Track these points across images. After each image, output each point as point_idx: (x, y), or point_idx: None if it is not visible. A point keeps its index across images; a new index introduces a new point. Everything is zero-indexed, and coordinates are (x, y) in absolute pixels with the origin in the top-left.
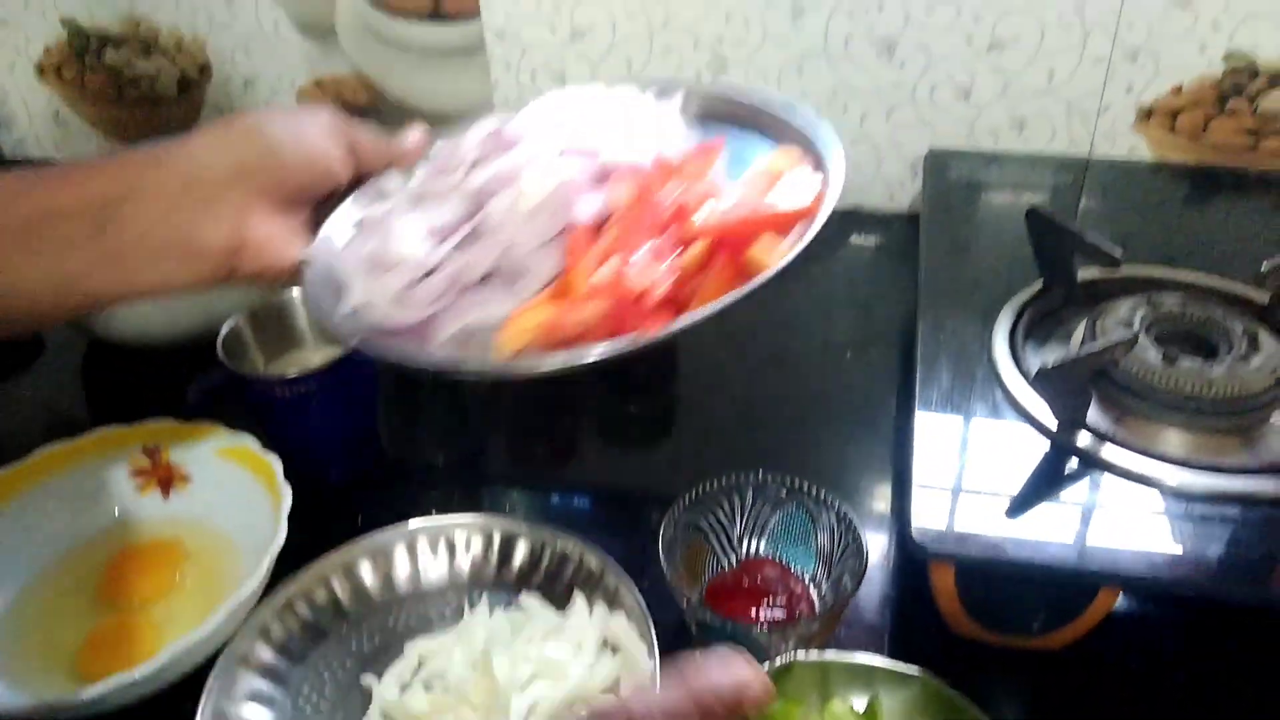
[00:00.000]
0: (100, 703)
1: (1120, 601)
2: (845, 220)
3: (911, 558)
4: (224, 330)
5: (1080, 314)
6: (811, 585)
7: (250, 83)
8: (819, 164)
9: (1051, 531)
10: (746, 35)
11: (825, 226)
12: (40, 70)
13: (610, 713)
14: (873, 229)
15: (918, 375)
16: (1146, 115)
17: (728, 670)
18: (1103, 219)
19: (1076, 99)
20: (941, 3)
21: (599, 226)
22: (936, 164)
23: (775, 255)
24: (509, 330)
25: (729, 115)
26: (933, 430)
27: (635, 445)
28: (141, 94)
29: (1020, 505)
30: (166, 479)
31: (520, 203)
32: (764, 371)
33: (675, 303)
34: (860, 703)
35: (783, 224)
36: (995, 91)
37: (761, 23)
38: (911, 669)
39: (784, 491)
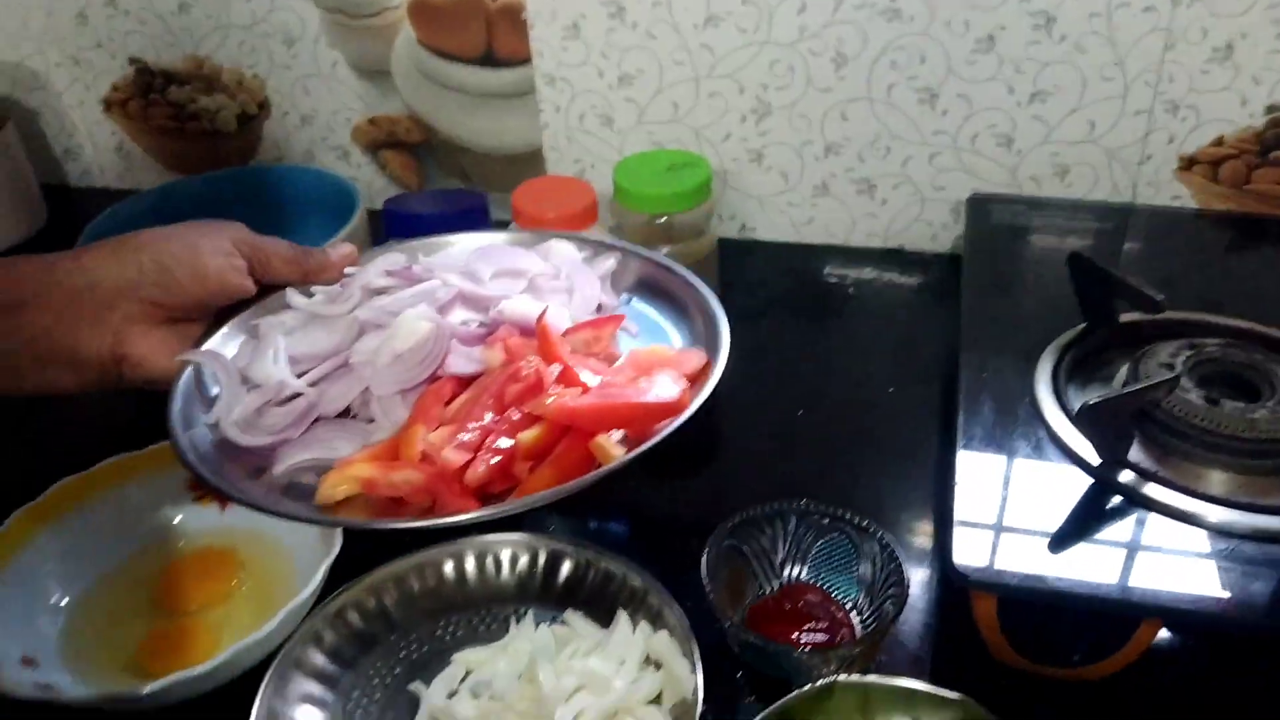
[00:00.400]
0: (160, 697)
1: (1162, 635)
2: (886, 260)
3: (954, 587)
4: None
5: (1122, 356)
6: (853, 612)
7: (307, 119)
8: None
9: (1093, 564)
10: (791, 81)
11: (867, 264)
12: (106, 105)
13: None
14: (914, 269)
15: (960, 411)
16: (1189, 164)
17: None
18: (1145, 265)
19: (1118, 148)
20: (983, 54)
21: (464, 384)
22: (978, 208)
23: (616, 451)
24: (329, 480)
25: (660, 286)
26: (975, 464)
27: (674, 476)
28: (202, 128)
29: (1062, 538)
30: None
31: (386, 346)
32: (805, 408)
33: (506, 478)
34: None
35: (640, 416)
36: (1037, 139)
37: (805, 71)
38: (953, 694)
39: (826, 520)
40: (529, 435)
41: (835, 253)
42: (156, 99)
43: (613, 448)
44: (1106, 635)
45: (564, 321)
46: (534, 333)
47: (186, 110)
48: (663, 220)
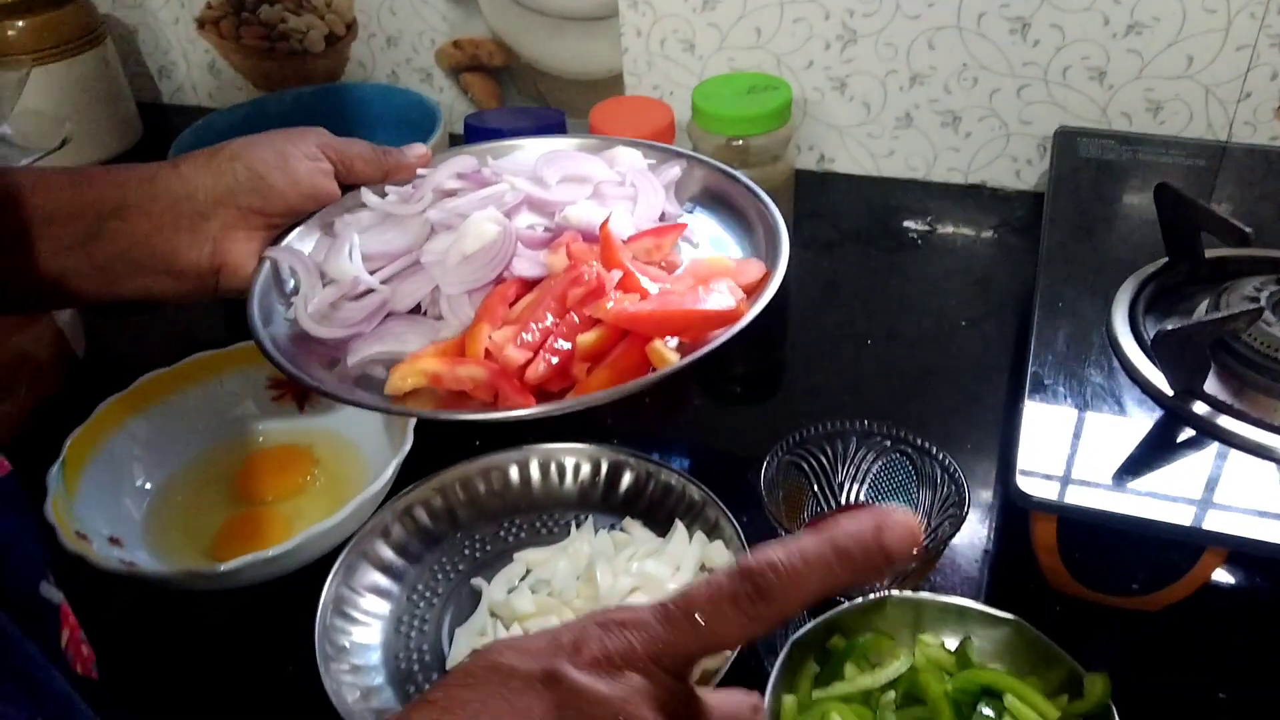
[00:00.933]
0: (234, 577)
1: (1224, 573)
2: (967, 196)
3: (1014, 512)
4: None
5: (1205, 291)
6: None
7: (393, 40)
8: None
9: (1159, 493)
10: (878, 7)
11: (947, 200)
12: (200, 24)
13: (753, 565)
14: (995, 206)
15: (1033, 336)
16: None
17: (866, 515)
18: (1237, 203)
19: (1216, 84)
20: None
21: (529, 286)
22: (1066, 142)
23: (671, 356)
24: (399, 371)
25: (724, 197)
26: (1045, 389)
27: (740, 404)
28: (291, 48)
29: (1129, 467)
30: (302, 393)
31: (455, 247)
32: (876, 340)
33: (564, 378)
34: (952, 642)
35: (697, 324)
36: (1131, 74)
37: None
38: (1005, 614)
39: (888, 441)
40: (588, 338)
41: (914, 187)
42: (248, 18)
43: (668, 353)
44: (1167, 565)
45: (626, 229)
46: (597, 239)
47: (276, 30)
48: (739, 143)
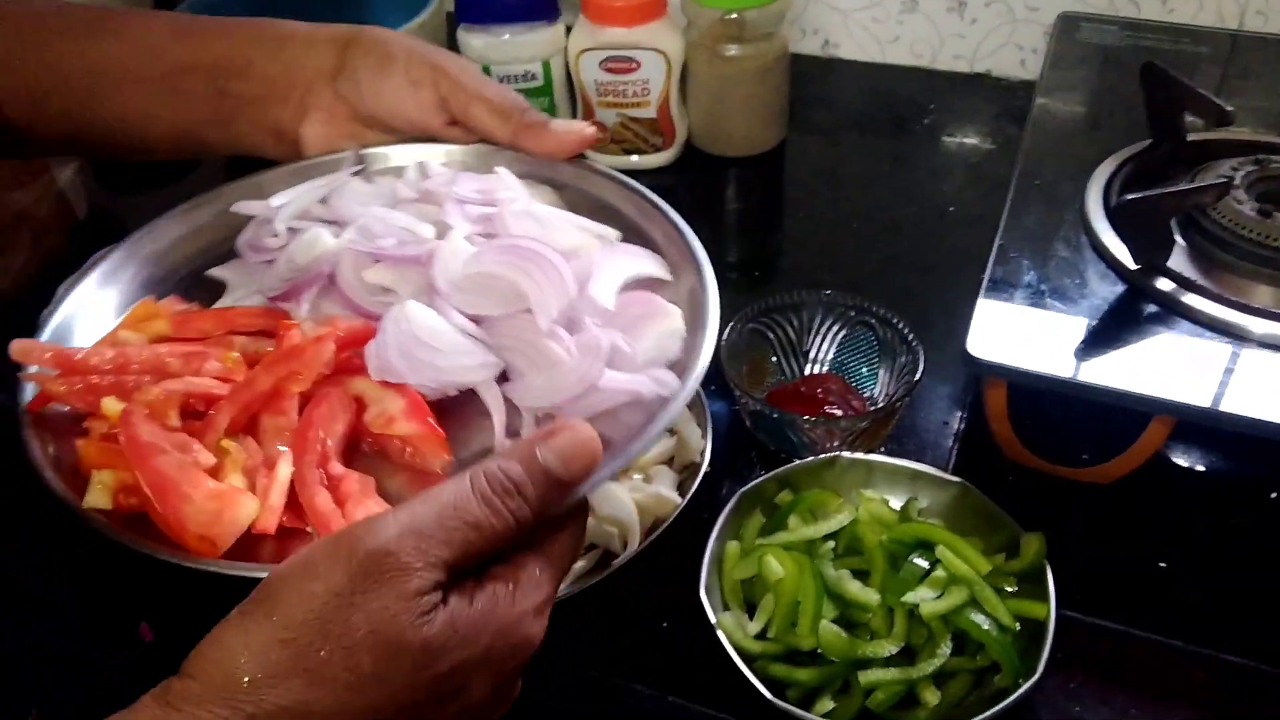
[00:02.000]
0: None
1: (1175, 451)
2: (970, 85)
3: (975, 383)
4: None
5: (1184, 172)
6: (872, 404)
7: None
8: None
9: (1111, 363)
10: None
11: (950, 88)
12: None
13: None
14: (998, 95)
15: (1006, 210)
16: None
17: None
18: (1242, 93)
19: None
20: None
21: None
22: (1068, 26)
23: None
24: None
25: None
26: (1009, 260)
27: (730, 289)
28: None
29: (1084, 338)
30: None
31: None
32: (870, 229)
33: None
34: (899, 503)
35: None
36: None
37: None
38: (953, 477)
39: (853, 311)
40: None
41: (918, 75)
42: None
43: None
44: (1117, 436)
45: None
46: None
47: None
48: (734, 17)
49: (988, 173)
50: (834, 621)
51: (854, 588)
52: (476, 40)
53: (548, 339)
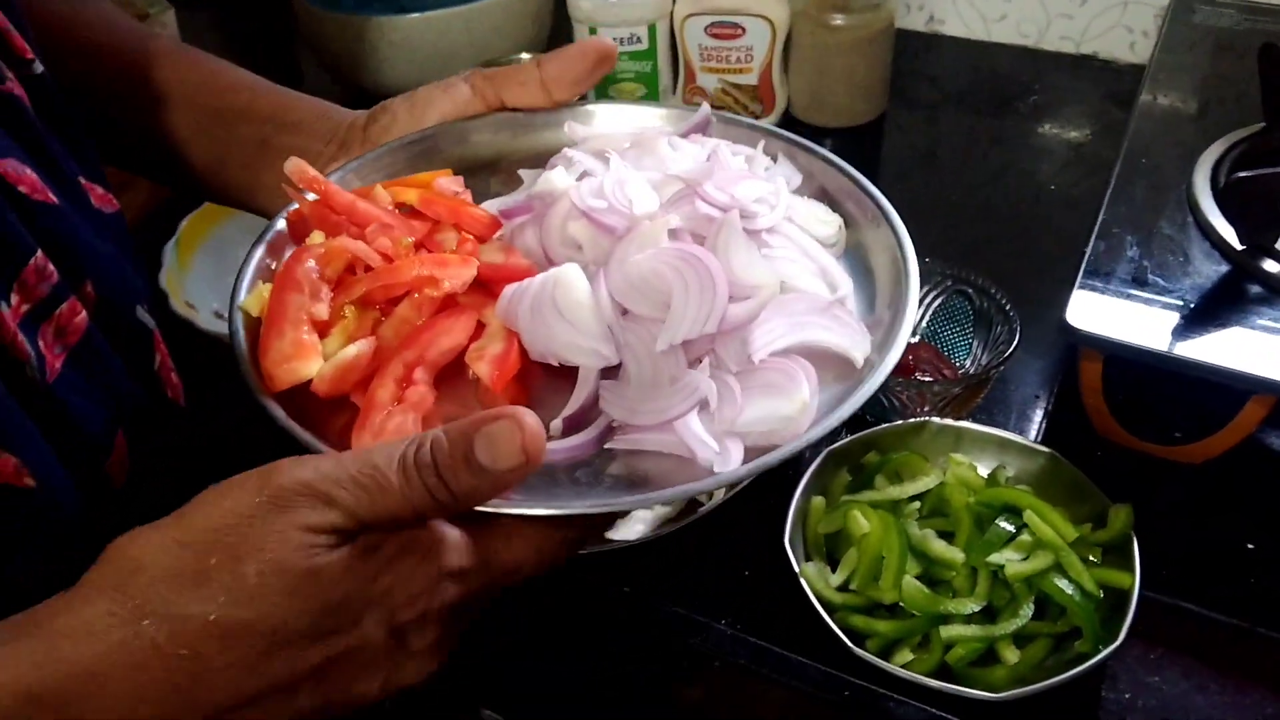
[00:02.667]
0: None
1: (1270, 433)
2: (1077, 66)
3: (1070, 357)
4: None
5: None
6: (964, 372)
7: None
8: None
9: (1210, 340)
10: None
11: (1056, 68)
12: None
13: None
14: (1105, 78)
15: (1110, 186)
16: None
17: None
18: None
19: None
20: None
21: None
22: (1183, 8)
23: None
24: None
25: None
26: (1112, 235)
27: None
28: None
29: (1183, 315)
30: None
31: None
32: (968, 206)
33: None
34: (986, 471)
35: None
36: None
37: None
38: (1042, 447)
39: (949, 280)
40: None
41: (1024, 54)
42: None
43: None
44: (1212, 414)
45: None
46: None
47: None
48: None
49: (1089, 155)
50: (916, 578)
51: (938, 546)
52: (585, 2)
53: (660, 357)
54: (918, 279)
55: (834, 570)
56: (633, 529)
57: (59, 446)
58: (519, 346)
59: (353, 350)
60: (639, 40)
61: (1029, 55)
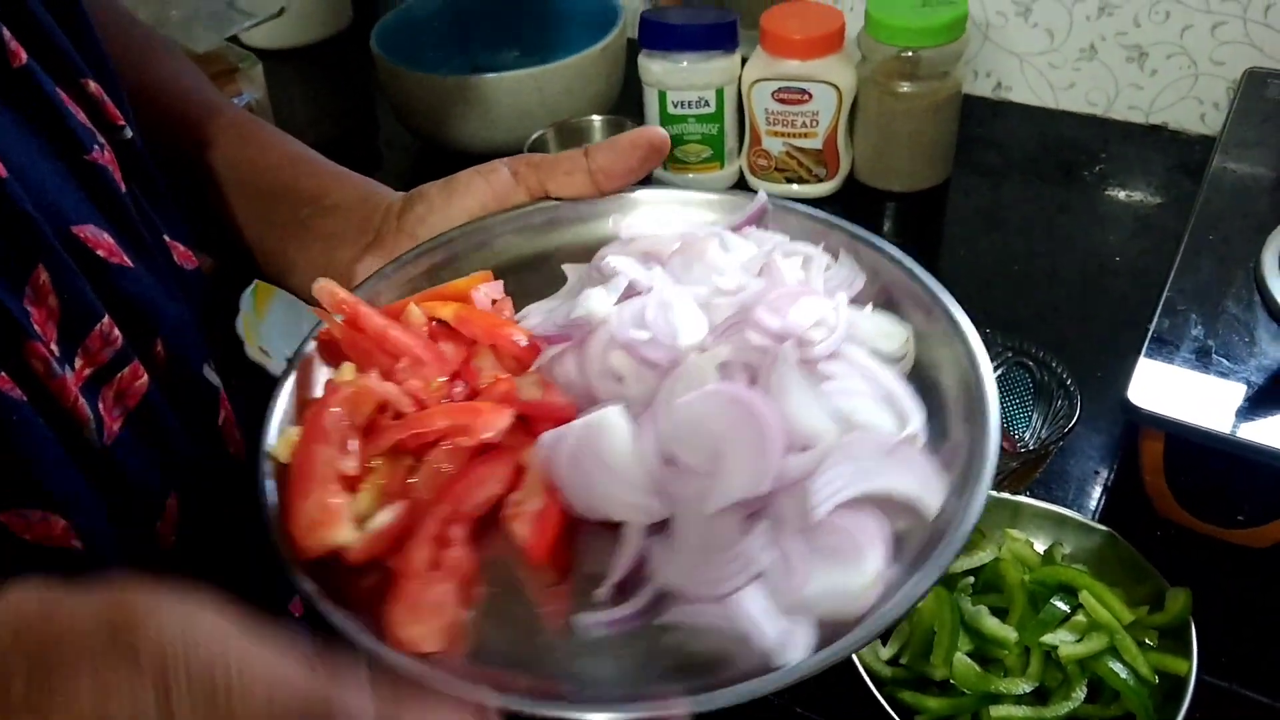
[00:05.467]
0: None
1: None
2: (1146, 136)
3: (1130, 434)
4: (530, 140)
5: None
6: (1023, 446)
7: None
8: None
9: (1274, 421)
10: None
11: (1123, 138)
12: None
13: None
14: (1174, 149)
15: (1177, 260)
16: None
17: None
18: None
19: None
20: None
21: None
22: (1255, 81)
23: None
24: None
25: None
26: (1177, 312)
27: None
28: None
29: (1251, 398)
30: None
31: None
32: (1029, 273)
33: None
34: (1042, 547)
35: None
36: None
37: None
38: (1100, 525)
39: (1010, 352)
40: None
41: (1092, 123)
42: None
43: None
44: (1278, 500)
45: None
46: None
47: None
48: (909, 55)
49: (1156, 226)
50: (968, 655)
51: (991, 623)
52: (656, 66)
53: (712, 519)
54: (997, 406)
55: (884, 643)
56: None
57: (111, 508)
58: (560, 502)
59: (385, 518)
60: (706, 104)
61: (1097, 124)
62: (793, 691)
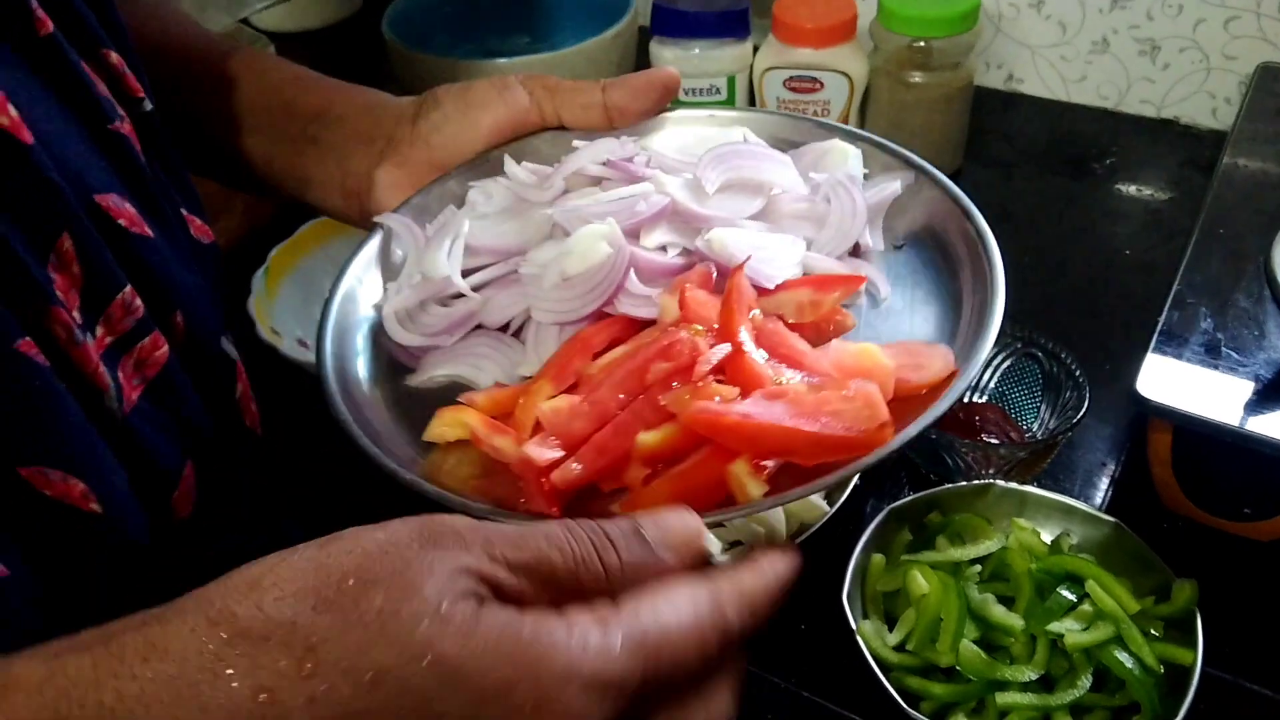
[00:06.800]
0: None
1: None
2: (1157, 130)
3: (1138, 425)
4: None
5: None
6: (1030, 436)
7: None
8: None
9: None
10: None
11: (1135, 132)
12: None
13: None
14: (1185, 143)
15: (1187, 254)
16: None
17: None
18: None
19: None
20: None
21: (633, 330)
22: (1267, 76)
23: (754, 490)
24: (446, 416)
25: (943, 239)
26: (1185, 306)
27: None
28: None
29: (1260, 391)
30: None
31: (556, 263)
32: (1039, 266)
33: (615, 479)
34: (1049, 536)
35: (804, 448)
36: None
37: None
38: (1107, 516)
39: (1020, 342)
40: (650, 438)
41: (1103, 116)
42: None
43: (750, 485)
44: None
45: (786, 270)
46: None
47: None
48: (921, 44)
49: (1166, 220)
50: (974, 643)
51: (998, 611)
52: (667, 52)
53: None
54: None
55: (891, 629)
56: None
57: (130, 476)
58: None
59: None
60: (718, 92)
61: (1108, 117)
62: (799, 676)
